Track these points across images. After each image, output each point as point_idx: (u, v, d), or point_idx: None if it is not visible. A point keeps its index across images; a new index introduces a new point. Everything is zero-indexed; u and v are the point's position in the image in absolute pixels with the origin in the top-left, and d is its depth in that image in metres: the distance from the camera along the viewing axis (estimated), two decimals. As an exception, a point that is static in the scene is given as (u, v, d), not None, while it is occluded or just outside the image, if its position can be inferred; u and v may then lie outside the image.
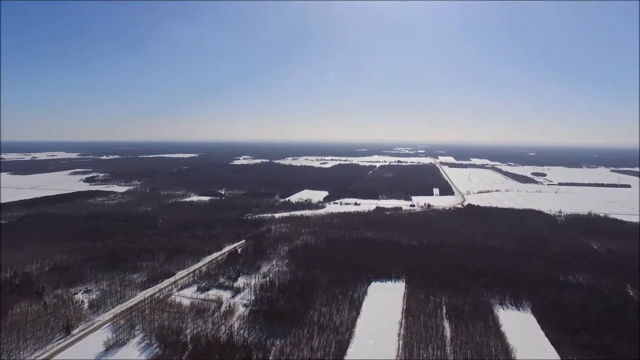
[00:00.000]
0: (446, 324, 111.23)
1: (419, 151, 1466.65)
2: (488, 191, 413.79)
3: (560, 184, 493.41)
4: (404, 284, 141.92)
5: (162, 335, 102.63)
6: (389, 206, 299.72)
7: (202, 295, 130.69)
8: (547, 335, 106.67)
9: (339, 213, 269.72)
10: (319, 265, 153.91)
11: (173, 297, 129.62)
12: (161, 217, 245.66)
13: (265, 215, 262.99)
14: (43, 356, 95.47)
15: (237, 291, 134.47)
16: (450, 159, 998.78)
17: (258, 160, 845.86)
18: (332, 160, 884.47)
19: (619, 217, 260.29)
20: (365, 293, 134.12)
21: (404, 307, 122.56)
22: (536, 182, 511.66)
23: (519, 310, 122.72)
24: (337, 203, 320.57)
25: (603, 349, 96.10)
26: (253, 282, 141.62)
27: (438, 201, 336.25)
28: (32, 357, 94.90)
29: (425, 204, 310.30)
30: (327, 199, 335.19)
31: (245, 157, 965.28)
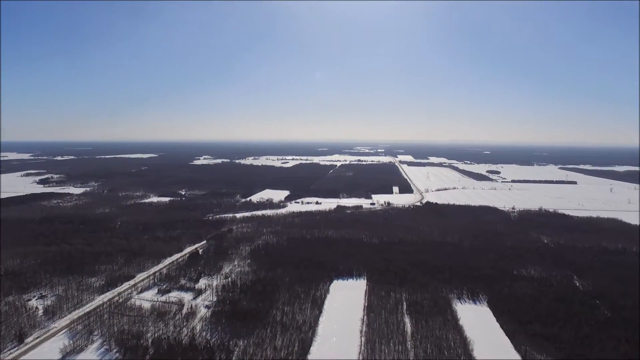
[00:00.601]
0: (407, 320, 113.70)
1: (379, 150, 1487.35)
2: (446, 189, 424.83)
3: (513, 181, 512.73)
4: (365, 281, 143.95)
5: (122, 339, 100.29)
6: (350, 205, 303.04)
7: (163, 298, 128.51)
8: (502, 326, 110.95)
9: (301, 212, 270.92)
10: (281, 265, 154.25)
11: (133, 300, 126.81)
12: (120, 219, 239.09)
13: (226, 215, 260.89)
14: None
15: (198, 292, 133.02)
16: (409, 158, 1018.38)
17: (218, 160, 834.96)
18: (293, 159, 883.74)
19: (567, 212, 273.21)
20: (327, 291, 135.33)
21: (366, 304, 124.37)
22: (491, 180, 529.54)
23: (475, 303, 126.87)
24: (298, 202, 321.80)
25: (552, 337, 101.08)
26: (215, 283, 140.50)
27: (398, 199, 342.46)
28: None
29: (385, 202, 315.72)
30: (288, 199, 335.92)
31: (206, 157, 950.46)
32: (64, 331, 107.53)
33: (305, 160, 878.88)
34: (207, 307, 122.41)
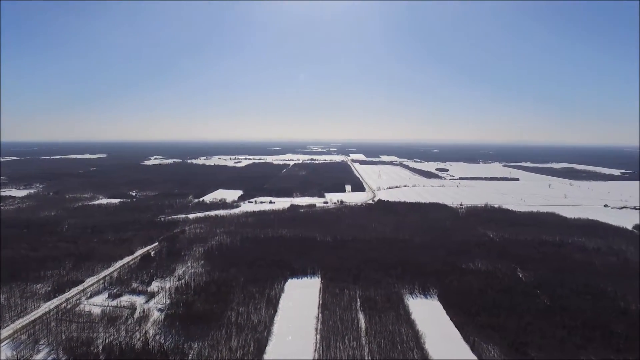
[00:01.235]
0: (361, 316, 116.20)
1: (332, 149, 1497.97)
2: (397, 187, 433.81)
3: (461, 178, 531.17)
4: (320, 279, 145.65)
5: (71, 347, 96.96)
6: (303, 203, 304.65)
7: (114, 302, 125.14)
8: (451, 319, 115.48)
9: (254, 212, 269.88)
10: (235, 265, 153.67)
11: (82, 306, 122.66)
12: (67, 222, 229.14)
13: (179, 216, 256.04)
14: None
15: (151, 296, 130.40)
16: (361, 157, 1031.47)
17: (170, 161, 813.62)
18: (246, 159, 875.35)
19: (510, 208, 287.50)
20: (282, 290, 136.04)
21: (320, 302, 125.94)
22: (440, 177, 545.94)
23: (426, 298, 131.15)
24: (252, 202, 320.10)
25: (497, 327, 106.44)
26: (168, 285, 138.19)
27: (350, 197, 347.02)
28: None
29: (338, 201, 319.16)
30: (241, 198, 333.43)
31: (157, 157, 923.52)
32: (6, 342, 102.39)
33: (259, 159, 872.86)
34: (160, 310, 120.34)
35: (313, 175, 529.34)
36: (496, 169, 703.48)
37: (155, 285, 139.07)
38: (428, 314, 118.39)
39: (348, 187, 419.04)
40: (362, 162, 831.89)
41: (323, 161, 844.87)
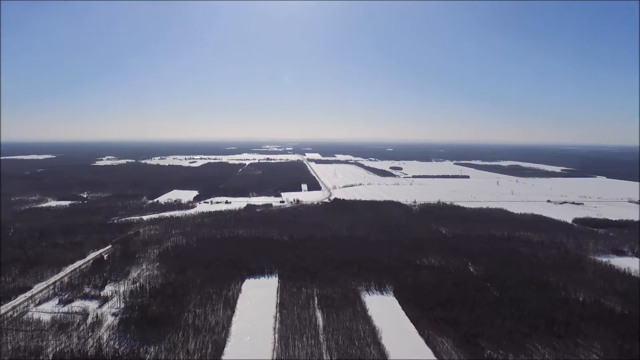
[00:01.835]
0: (318, 314, 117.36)
1: (288, 149, 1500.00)
2: (352, 185, 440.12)
3: (414, 176, 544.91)
4: (277, 278, 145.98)
5: (18, 358, 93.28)
6: (260, 203, 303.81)
7: (65, 308, 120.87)
8: (407, 314, 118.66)
9: (210, 212, 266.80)
10: (192, 266, 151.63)
11: (30, 313, 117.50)
12: (13, 226, 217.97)
13: (132, 217, 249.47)
14: None
15: (104, 300, 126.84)
16: (317, 156, 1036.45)
17: (123, 161, 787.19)
18: (201, 159, 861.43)
19: (462, 204, 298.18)
20: (239, 291, 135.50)
21: (278, 301, 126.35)
22: (394, 176, 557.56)
23: (382, 294, 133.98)
24: (207, 202, 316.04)
25: (451, 320, 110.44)
26: (122, 289, 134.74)
27: (306, 196, 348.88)
28: None
29: (294, 200, 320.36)
30: (197, 199, 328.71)
31: (109, 157, 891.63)
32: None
33: (214, 159, 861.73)
34: (114, 314, 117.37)
35: (269, 175, 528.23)
36: (448, 167, 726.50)
37: (109, 289, 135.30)
38: (384, 310, 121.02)
39: (304, 186, 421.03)
40: (318, 161, 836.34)
41: (279, 160, 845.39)
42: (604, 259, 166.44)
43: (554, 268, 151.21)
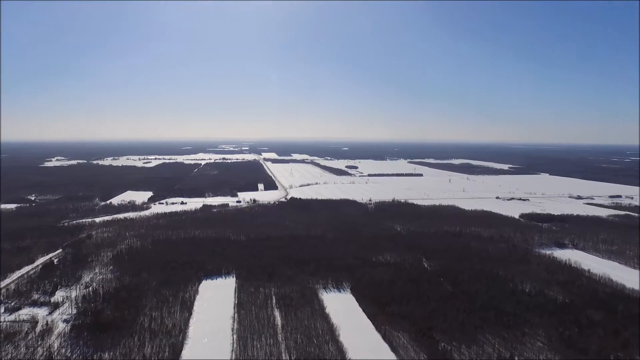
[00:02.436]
0: (277, 313, 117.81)
1: (244, 148, 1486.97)
2: (309, 184, 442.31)
3: (369, 175, 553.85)
4: (235, 279, 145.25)
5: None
6: (216, 203, 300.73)
7: (12, 317, 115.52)
8: (364, 310, 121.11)
9: (165, 213, 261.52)
10: (147, 269, 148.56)
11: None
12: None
13: (84, 220, 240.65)
14: None
15: (55, 306, 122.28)
16: (274, 155, 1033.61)
17: (74, 162, 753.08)
18: (155, 159, 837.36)
19: (416, 202, 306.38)
20: (196, 292, 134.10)
21: (236, 302, 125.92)
22: (350, 175, 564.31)
23: (340, 292, 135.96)
24: (162, 203, 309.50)
25: (407, 315, 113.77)
26: (74, 294, 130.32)
27: (263, 196, 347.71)
28: None
29: (251, 200, 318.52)
30: (152, 200, 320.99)
31: (59, 158, 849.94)
32: None
33: (169, 159, 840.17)
34: (65, 321, 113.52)
35: (225, 175, 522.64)
36: (402, 165, 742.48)
37: (59, 295, 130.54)
38: (342, 307, 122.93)
39: (261, 186, 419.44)
40: (274, 161, 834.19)
41: (235, 160, 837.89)
42: (548, 252, 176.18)
43: (502, 261, 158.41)
